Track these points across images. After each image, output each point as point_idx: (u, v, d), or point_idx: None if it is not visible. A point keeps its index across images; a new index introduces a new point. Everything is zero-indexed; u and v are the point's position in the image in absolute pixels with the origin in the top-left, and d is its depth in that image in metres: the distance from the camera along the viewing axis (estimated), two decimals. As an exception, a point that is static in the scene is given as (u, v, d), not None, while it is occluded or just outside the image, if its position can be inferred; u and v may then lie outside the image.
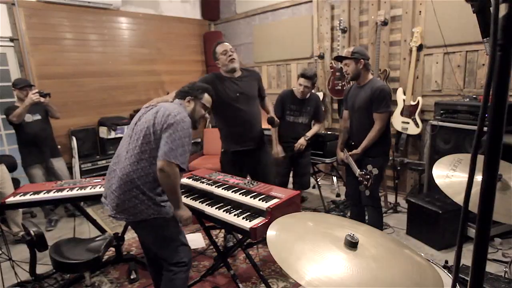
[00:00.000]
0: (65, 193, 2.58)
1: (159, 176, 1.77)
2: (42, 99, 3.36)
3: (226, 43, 2.77)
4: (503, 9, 0.54)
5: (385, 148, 2.74)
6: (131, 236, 3.32)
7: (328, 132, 4.34)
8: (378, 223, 2.79)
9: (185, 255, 1.96)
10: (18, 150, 3.62)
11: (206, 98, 2.06)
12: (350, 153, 2.73)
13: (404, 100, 3.75)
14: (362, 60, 2.59)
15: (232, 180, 2.39)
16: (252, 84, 2.88)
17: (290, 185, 3.61)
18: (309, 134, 3.35)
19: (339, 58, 2.76)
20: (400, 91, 3.80)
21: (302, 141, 3.29)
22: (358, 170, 2.55)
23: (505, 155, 0.73)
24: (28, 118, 3.46)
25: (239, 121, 2.78)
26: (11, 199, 2.52)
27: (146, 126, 1.82)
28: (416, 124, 3.66)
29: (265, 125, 3.00)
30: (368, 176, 2.44)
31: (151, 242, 1.98)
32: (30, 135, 3.50)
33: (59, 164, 3.76)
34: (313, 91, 3.65)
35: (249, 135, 2.84)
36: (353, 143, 2.82)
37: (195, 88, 2.05)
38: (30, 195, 2.55)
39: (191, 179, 2.49)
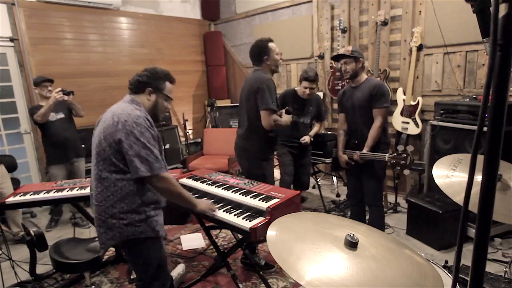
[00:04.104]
0: (65, 193, 2.58)
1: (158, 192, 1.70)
2: (65, 97, 3.35)
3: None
4: (503, 9, 0.54)
5: (386, 143, 2.74)
6: (131, 236, 3.32)
7: (328, 132, 4.34)
8: (380, 223, 2.78)
9: (160, 285, 1.81)
10: (44, 149, 3.60)
11: (168, 87, 1.79)
12: (359, 152, 2.66)
13: (404, 100, 3.75)
14: (361, 59, 2.63)
15: (232, 180, 2.39)
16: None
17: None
18: (312, 133, 3.45)
19: (338, 57, 2.74)
20: (400, 91, 3.80)
21: (307, 138, 3.36)
22: (387, 154, 2.50)
23: (505, 155, 0.73)
24: (52, 117, 3.42)
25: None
26: (11, 199, 2.52)
27: (98, 141, 1.65)
28: (416, 124, 3.66)
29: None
30: (405, 155, 2.39)
31: (132, 264, 1.82)
32: (54, 134, 3.46)
33: (80, 164, 3.74)
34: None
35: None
36: (356, 142, 2.78)
37: (156, 76, 1.73)
38: (30, 195, 2.55)
39: (191, 179, 2.49)
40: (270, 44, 2.61)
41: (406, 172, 2.46)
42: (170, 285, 1.91)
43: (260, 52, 2.61)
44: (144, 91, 1.73)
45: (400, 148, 2.44)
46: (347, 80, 2.80)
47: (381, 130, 2.63)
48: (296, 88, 3.39)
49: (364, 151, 2.63)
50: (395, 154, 2.44)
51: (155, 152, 1.63)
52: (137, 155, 1.57)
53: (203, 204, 1.93)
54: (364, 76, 2.70)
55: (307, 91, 3.23)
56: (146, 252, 1.74)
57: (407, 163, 2.39)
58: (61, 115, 3.52)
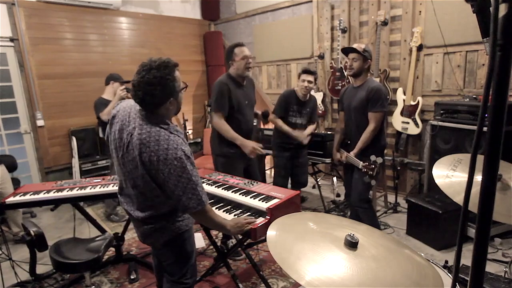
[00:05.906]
0: (65, 193, 2.58)
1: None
2: (129, 95, 3.42)
3: (246, 48, 2.72)
4: (503, 9, 0.54)
5: (380, 148, 2.74)
6: (131, 236, 3.33)
7: (328, 132, 4.34)
8: (372, 225, 2.78)
9: (191, 276, 1.85)
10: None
11: (178, 77, 1.62)
12: (346, 154, 2.75)
13: (404, 100, 3.75)
14: (369, 60, 2.62)
15: (232, 180, 2.39)
16: (252, 91, 2.94)
17: (289, 185, 3.61)
18: (307, 133, 3.39)
19: (349, 50, 2.65)
20: (400, 91, 3.80)
21: (304, 136, 3.32)
22: (361, 162, 2.55)
23: (505, 155, 0.73)
24: None
25: (242, 128, 2.77)
26: (11, 199, 2.52)
27: (137, 164, 1.52)
28: (416, 124, 3.66)
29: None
30: (373, 166, 2.44)
31: (169, 260, 1.80)
32: None
33: None
34: (312, 91, 3.60)
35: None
36: (349, 142, 2.84)
37: (170, 81, 1.56)
38: (30, 195, 2.55)
39: (191, 179, 2.48)
40: (236, 49, 2.70)
41: (373, 182, 2.50)
42: None
43: (226, 56, 2.77)
44: (166, 102, 1.76)
45: (373, 157, 2.47)
46: (347, 80, 2.81)
47: (374, 134, 2.63)
48: (295, 89, 3.36)
49: (354, 151, 2.69)
50: (367, 163, 2.48)
51: (199, 181, 1.62)
52: (184, 190, 1.58)
53: (232, 222, 1.77)
54: (366, 77, 2.69)
55: (306, 83, 3.18)
56: (183, 246, 1.77)
57: (373, 174, 2.45)
58: None
